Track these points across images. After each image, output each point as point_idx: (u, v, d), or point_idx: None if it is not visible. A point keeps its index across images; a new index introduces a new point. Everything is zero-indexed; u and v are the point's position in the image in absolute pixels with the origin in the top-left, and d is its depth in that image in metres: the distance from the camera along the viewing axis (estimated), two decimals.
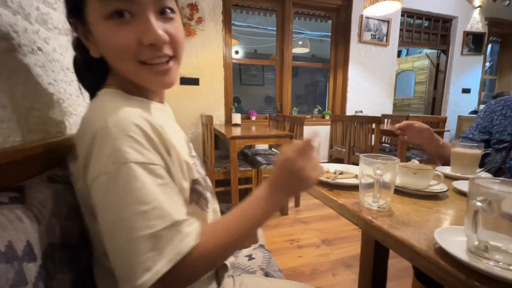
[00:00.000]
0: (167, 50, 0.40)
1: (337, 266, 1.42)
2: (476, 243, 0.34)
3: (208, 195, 0.50)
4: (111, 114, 0.35)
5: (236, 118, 2.73)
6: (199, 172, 0.49)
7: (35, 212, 0.36)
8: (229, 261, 0.53)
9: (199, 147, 2.65)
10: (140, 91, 0.44)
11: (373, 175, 0.52)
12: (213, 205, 0.52)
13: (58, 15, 0.57)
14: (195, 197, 0.46)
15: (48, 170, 0.46)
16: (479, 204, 0.32)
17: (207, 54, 2.65)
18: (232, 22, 2.97)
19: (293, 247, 1.61)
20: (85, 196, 0.38)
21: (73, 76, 0.62)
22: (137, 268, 0.31)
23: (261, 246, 0.79)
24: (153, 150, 0.36)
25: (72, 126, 0.59)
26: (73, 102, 0.60)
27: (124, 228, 0.32)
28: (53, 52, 0.54)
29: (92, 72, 0.45)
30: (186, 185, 0.43)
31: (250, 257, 0.70)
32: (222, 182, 2.02)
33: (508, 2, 3.85)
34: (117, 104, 0.37)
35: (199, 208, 0.46)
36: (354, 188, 0.65)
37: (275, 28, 3.16)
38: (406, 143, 2.32)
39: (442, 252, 0.36)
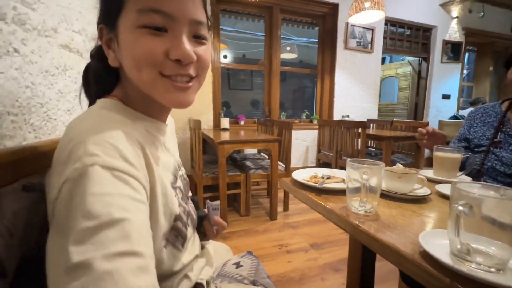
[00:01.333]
0: (191, 70, 0.40)
1: (325, 271, 1.42)
2: (459, 246, 0.34)
3: (189, 230, 0.48)
4: (94, 131, 0.32)
5: (225, 122, 2.72)
6: (181, 204, 0.46)
7: (6, 224, 0.34)
8: (206, 279, 0.52)
9: (187, 152, 2.61)
10: (147, 106, 0.43)
11: (360, 179, 0.53)
12: (193, 241, 0.51)
13: (38, 16, 0.55)
14: (172, 238, 0.42)
15: (24, 178, 0.43)
16: (460, 208, 0.33)
17: None
18: (221, 27, 2.97)
19: (282, 252, 1.60)
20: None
21: (52, 79, 0.59)
22: None
23: (249, 253, 0.78)
24: (130, 165, 0.32)
25: (51, 131, 0.56)
26: (53, 107, 0.57)
27: (60, 254, 0.26)
28: (31, 54, 0.51)
29: (102, 82, 0.45)
30: (164, 221, 0.40)
31: (238, 265, 0.69)
32: (210, 187, 1.99)
33: (483, 14, 4.09)
34: (107, 120, 0.35)
35: (175, 249, 0.43)
36: (341, 192, 0.66)
37: (264, 34, 3.19)
38: (392, 146, 2.39)
39: (426, 256, 0.37)
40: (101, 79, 0.44)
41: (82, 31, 0.79)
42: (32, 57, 0.52)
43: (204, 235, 0.65)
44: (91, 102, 0.47)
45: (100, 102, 0.41)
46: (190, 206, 0.55)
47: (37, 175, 0.45)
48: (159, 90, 0.39)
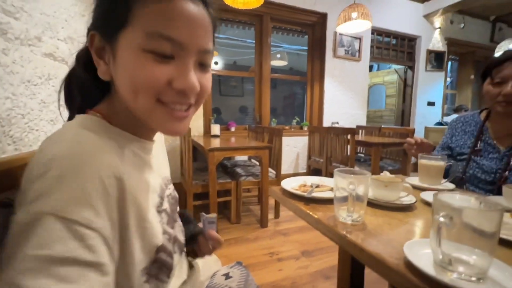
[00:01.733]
0: (192, 99, 0.38)
1: (316, 278, 1.42)
2: (441, 256, 0.35)
3: (175, 258, 0.45)
4: (65, 164, 0.28)
5: (215, 129, 2.71)
6: (166, 231, 0.43)
7: None
8: None
9: (177, 160, 2.58)
10: (135, 126, 0.40)
11: (347, 189, 0.53)
12: (180, 266, 0.49)
13: (21, 25, 0.54)
14: (154, 271, 0.39)
15: (1, 193, 0.41)
16: (441, 219, 0.34)
17: None
18: None
19: (273, 260, 1.59)
20: None
21: (35, 89, 0.58)
22: None
23: (239, 263, 0.77)
24: (95, 212, 0.28)
25: (32, 142, 0.54)
26: (35, 117, 0.56)
27: None
28: (12, 64, 0.50)
29: (86, 93, 0.41)
30: (142, 256, 0.37)
31: (227, 276, 0.68)
32: (200, 195, 1.97)
33: (463, 25, 4.29)
34: (83, 148, 0.31)
35: (159, 282, 0.40)
36: (330, 201, 0.66)
37: (254, 41, 3.23)
38: (380, 153, 2.43)
39: (411, 266, 0.37)
40: (85, 89, 0.41)
41: (68, 39, 0.78)
42: (14, 67, 0.50)
43: (197, 253, 0.61)
44: (71, 116, 0.43)
45: (80, 118, 0.37)
46: (178, 228, 0.51)
47: (16, 190, 0.43)
48: (155, 118, 0.36)
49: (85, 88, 0.41)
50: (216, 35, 0.43)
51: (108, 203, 0.30)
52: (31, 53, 0.58)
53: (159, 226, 0.41)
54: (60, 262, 0.25)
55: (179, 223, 0.53)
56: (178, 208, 0.56)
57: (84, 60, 0.41)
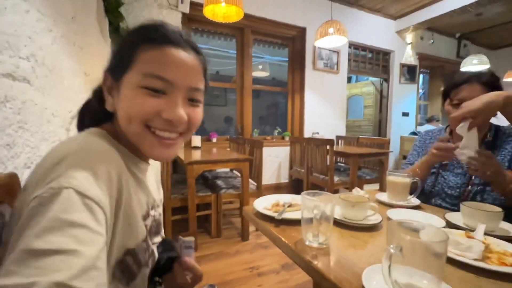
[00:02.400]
0: (181, 129, 0.44)
1: None
2: (391, 287, 0.36)
3: (142, 271, 0.45)
4: (78, 152, 0.35)
5: (196, 140, 2.68)
6: (146, 239, 0.46)
7: None
8: None
9: (157, 173, 2.51)
10: (133, 148, 0.45)
11: (312, 212, 0.54)
12: (143, 282, 0.47)
13: None
14: (118, 274, 0.39)
15: None
16: (392, 251, 0.35)
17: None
18: None
19: (253, 275, 1.57)
20: None
21: None
22: None
23: (211, 286, 0.75)
24: (102, 192, 0.33)
25: None
26: None
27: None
28: None
29: (96, 119, 0.47)
30: (115, 251, 0.38)
31: None
32: (179, 209, 1.92)
33: (432, 41, 4.59)
34: (93, 143, 0.38)
35: (119, 285, 0.40)
36: (300, 222, 0.67)
37: (236, 52, 3.27)
38: (358, 163, 2.51)
39: None
40: (96, 117, 0.47)
41: (31, 56, 0.75)
42: None
43: (173, 285, 0.56)
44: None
45: (89, 129, 0.43)
46: (155, 247, 0.53)
47: None
48: (145, 144, 0.42)
49: (96, 116, 0.48)
50: (200, 47, 0.48)
51: (110, 189, 0.35)
52: None
53: (141, 231, 0.44)
54: (78, 226, 0.29)
55: (155, 246, 0.54)
56: (158, 239, 0.56)
57: (99, 94, 0.48)
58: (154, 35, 0.41)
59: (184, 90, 0.42)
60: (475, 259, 0.48)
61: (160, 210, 0.58)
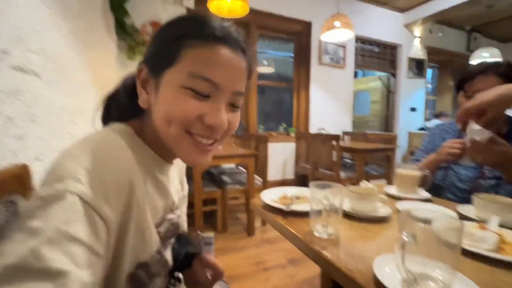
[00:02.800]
0: (218, 135, 0.41)
1: (303, 287, 1.41)
2: (405, 275, 0.36)
3: (156, 282, 0.44)
4: (93, 154, 0.32)
5: None
6: (160, 250, 0.44)
7: None
8: None
9: (182, 169, 2.53)
10: (159, 148, 0.43)
11: (322, 203, 0.54)
12: None
13: None
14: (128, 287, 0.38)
15: None
16: (405, 238, 0.35)
17: None
18: None
19: (259, 270, 1.57)
20: None
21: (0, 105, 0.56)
22: None
23: (223, 281, 0.75)
24: (108, 204, 0.31)
25: None
26: None
27: None
28: None
29: (122, 113, 0.45)
30: (126, 264, 0.37)
31: None
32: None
33: (441, 34, 4.48)
34: (112, 147, 0.36)
35: None
36: (308, 214, 0.66)
37: None
38: (365, 158, 2.48)
39: (380, 284, 0.38)
40: (123, 110, 0.45)
41: (40, 51, 0.75)
42: None
43: (193, 282, 0.54)
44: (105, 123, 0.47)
45: (114, 125, 0.41)
46: (168, 252, 0.51)
47: None
48: (182, 147, 0.40)
49: (123, 109, 0.45)
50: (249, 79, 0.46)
51: (118, 200, 0.33)
52: None
53: (155, 240, 0.42)
54: (77, 242, 0.27)
55: (169, 250, 0.52)
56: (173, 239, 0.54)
57: (129, 84, 0.45)
58: (204, 31, 0.38)
59: (228, 94, 0.40)
60: (489, 250, 0.47)
61: (180, 211, 0.54)
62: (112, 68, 2.00)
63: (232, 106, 0.42)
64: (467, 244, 0.49)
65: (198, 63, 0.37)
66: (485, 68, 0.89)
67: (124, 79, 0.47)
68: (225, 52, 0.38)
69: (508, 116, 0.94)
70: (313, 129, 3.49)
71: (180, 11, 2.67)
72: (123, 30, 2.29)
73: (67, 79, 0.99)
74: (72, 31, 1.07)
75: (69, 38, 1.04)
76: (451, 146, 0.88)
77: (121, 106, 0.45)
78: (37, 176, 0.69)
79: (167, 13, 2.62)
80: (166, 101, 0.38)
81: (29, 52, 0.70)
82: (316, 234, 0.55)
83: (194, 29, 0.38)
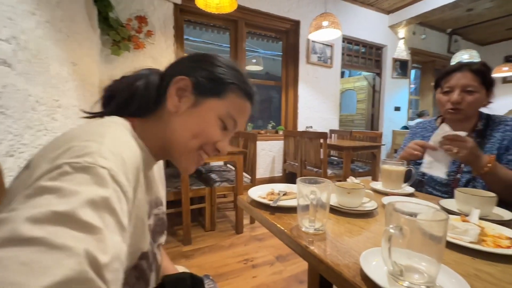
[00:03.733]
0: (212, 154, 0.49)
1: (290, 284, 1.41)
2: (391, 267, 0.36)
3: (152, 277, 0.45)
4: (111, 139, 0.32)
5: None
6: (151, 241, 0.45)
7: None
8: None
9: (160, 168, 2.47)
10: (153, 148, 0.46)
11: (309, 198, 0.53)
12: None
13: None
14: (132, 281, 0.39)
15: None
16: (392, 230, 0.35)
17: (157, 68, 2.55)
18: (186, 37, 2.93)
19: (247, 267, 1.57)
20: None
21: None
22: None
23: (206, 276, 0.74)
24: (129, 185, 0.32)
25: None
26: None
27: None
28: None
29: (124, 104, 0.45)
30: (127, 255, 0.36)
31: None
32: (173, 203, 1.89)
33: (424, 36, 4.63)
34: (123, 135, 0.36)
35: None
36: (295, 209, 0.66)
37: (229, 45, 3.22)
38: (351, 156, 2.52)
39: (367, 278, 0.38)
40: (128, 102, 0.45)
41: (11, 39, 0.70)
42: None
43: None
44: (100, 115, 0.46)
45: (116, 117, 0.42)
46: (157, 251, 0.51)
47: None
48: (188, 157, 0.46)
49: (127, 104, 0.45)
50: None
51: (132, 183, 0.33)
52: None
53: (147, 233, 0.42)
54: (108, 210, 0.26)
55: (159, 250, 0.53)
56: (163, 239, 0.54)
57: (152, 82, 0.47)
58: (248, 88, 0.50)
59: (236, 130, 0.51)
60: (471, 242, 0.48)
61: (164, 208, 0.56)
62: (95, 62, 1.92)
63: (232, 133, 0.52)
64: (450, 237, 0.50)
65: (235, 108, 0.48)
66: (460, 66, 0.94)
67: (149, 71, 0.49)
68: (249, 107, 0.51)
69: (483, 113, 0.98)
70: (301, 127, 3.52)
71: (166, 6, 2.60)
72: (107, 23, 2.20)
73: (45, 71, 0.94)
74: (50, 21, 1.01)
75: (46, 28, 0.98)
76: (412, 147, 0.94)
77: (129, 101, 0.45)
78: (11, 172, 0.65)
79: (153, 7, 2.55)
80: (202, 121, 0.45)
81: None
82: (303, 229, 0.55)
83: (244, 84, 0.49)
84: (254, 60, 4.47)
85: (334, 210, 0.66)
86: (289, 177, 3.26)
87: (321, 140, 2.46)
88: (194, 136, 0.45)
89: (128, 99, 0.45)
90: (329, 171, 2.53)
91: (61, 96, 1.08)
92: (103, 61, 2.31)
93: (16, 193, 0.30)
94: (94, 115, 0.47)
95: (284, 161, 3.24)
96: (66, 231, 0.22)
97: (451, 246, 0.48)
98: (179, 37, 2.77)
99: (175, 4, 2.66)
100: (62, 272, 0.20)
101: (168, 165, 2.60)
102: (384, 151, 4.30)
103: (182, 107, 0.45)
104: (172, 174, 2.27)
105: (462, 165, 0.94)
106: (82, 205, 0.24)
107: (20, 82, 0.73)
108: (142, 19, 2.47)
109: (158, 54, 2.57)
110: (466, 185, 0.92)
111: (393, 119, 4.52)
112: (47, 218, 0.22)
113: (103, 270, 0.22)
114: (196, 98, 0.45)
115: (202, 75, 0.46)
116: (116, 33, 2.29)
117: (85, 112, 0.48)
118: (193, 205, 1.91)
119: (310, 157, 2.58)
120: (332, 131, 3.57)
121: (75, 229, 0.22)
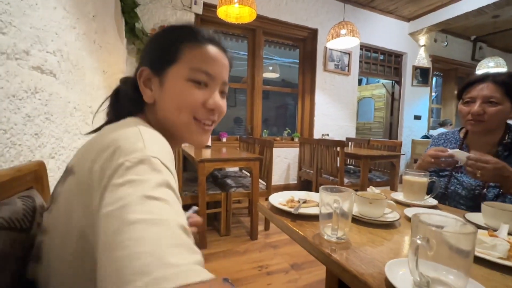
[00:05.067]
0: (215, 117, 0.50)
1: None
2: (418, 278, 0.36)
3: None
4: (148, 136, 0.36)
5: None
6: None
7: None
8: None
9: None
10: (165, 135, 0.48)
11: (332, 206, 0.54)
12: None
13: (8, 40, 0.54)
14: None
15: None
16: (419, 241, 0.35)
17: None
18: None
19: (262, 274, 1.56)
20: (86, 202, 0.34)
21: (20, 104, 0.57)
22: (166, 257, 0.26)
23: (226, 279, 0.76)
24: (174, 176, 0.36)
25: (14, 157, 0.53)
26: (18, 132, 0.55)
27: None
28: None
29: (130, 106, 0.49)
30: None
31: None
32: (189, 206, 1.93)
33: (446, 43, 4.50)
34: (153, 130, 0.39)
35: None
36: (316, 217, 0.67)
37: (247, 53, 3.29)
38: (369, 165, 2.48)
39: (392, 287, 0.38)
40: (130, 103, 0.49)
41: (57, 51, 0.78)
42: None
43: None
44: (111, 120, 0.50)
45: (132, 118, 0.44)
46: None
47: None
48: (191, 131, 0.48)
49: (121, 108, 0.49)
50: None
51: (172, 164, 0.37)
52: (18, 67, 0.57)
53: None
54: (170, 188, 0.32)
55: None
56: None
57: (130, 85, 0.49)
58: (197, 34, 0.47)
59: (219, 83, 0.49)
60: (500, 258, 0.47)
61: None
62: (122, 70, 2.03)
63: (222, 94, 0.51)
64: (478, 251, 0.49)
65: (196, 59, 0.46)
66: (484, 77, 0.91)
67: (122, 79, 0.51)
68: (214, 50, 0.47)
69: (511, 126, 0.94)
70: (317, 134, 3.50)
71: (188, 17, 2.72)
72: (133, 33, 2.33)
73: (82, 80, 1.01)
74: (86, 33, 1.10)
75: (83, 40, 1.07)
76: (432, 155, 0.92)
77: (122, 105, 0.49)
78: (52, 173, 0.70)
79: (176, 18, 2.66)
80: (174, 93, 0.45)
81: (47, 53, 0.72)
82: (325, 237, 0.56)
83: (190, 34, 0.47)
84: (270, 68, 4.52)
85: (355, 220, 0.66)
86: (304, 185, 3.24)
87: (338, 148, 2.43)
88: (179, 110, 0.46)
89: (119, 105, 0.49)
90: (346, 180, 2.49)
91: (93, 102, 1.16)
92: (129, 69, 2.43)
93: (69, 197, 0.35)
94: (108, 121, 0.51)
95: (299, 169, 3.23)
96: (158, 206, 0.28)
97: (478, 261, 0.47)
98: None
99: (197, 14, 2.77)
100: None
101: (185, 169, 2.67)
102: (403, 161, 4.17)
103: (155, 93, 0.47)
104: (189, 178, 2.33)
105: None
106: (155, 188, 0.30)
107: (62, 90, 0.80)
108: None
109: None
110: (494, 200, 0.88)
111: (413, 128, 4.39)
112: (138, 202, 0.28)
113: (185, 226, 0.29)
114: (159, 77, 0.46)
115: (152, 56, 0.48)
116: (141, 42, 2.42)
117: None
118: (209, 210, 1.94)
119: (326, 165, 2.56)
120: (348, 139, 3.52)
121: (160, 205, 0.28)
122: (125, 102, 0.49)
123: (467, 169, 0.81)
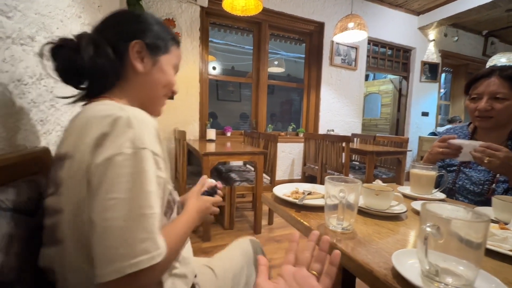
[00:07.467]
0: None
1: None
2: (427, 267, 0.35)
3: (175, 209, 0.55)
4: (131, 110, 0.41)
5: (211, 133, 2.71)
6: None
7: None
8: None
9: (172, 163, 2.56)
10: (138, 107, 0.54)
11: (337, 197, 0.53)
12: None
13: (13, 24, 0.53)
14: (165, 209, 0.49)
15: None
16: (428, 229, 0.34)
17: (182, 68, 2.64)
18: (210, 39, 3.01)
19: None
20: (77, 185, 0.39)
21: (25, 89, 0.57)
22: (136, 247, 0.35)
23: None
24: (160, 146, 0.44)
25: (20, 141, 0.53)
26: (23, 117, 0.55)
27: (130, 206, 0.36)
28: (2, 63, 0.49)
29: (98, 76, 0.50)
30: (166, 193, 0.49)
31: None
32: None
33: (457, 38, 4.39)
34: (143, 115, 0.44)
35: (165, 219, 0.50)
36: (321, 209, 0.66)
37: (252, 47, 3.26)
38: (375, 161, 2.45)
39: (399, 276, 0.37)
40: (105, 74, 0.50)
41: None
42: (3, 66, 0.50)
43: None
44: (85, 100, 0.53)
45: (108, 102, 0.47)
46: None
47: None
48: (160, 104, 0.60)
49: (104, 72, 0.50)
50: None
51: (159, 140, 0.44)
52: (23, 52, 0.57)
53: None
54: (159, 179, 0.42)
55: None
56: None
57: (94, 44, 0.50)
58: (177, 38, 0.61)
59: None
60: (511, 250, 0.46)
61: None
62: None
63: None
64: (489, 244, 0.47)
65: (177, 56, 0.61)
66: (490, 72, 0.88)
67: (86, 41, 0.50)
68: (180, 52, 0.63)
69: None
70: (322, 130, 3.47)
71: (193, 9, 2.70)
72: None
73: None
74: (91, 23, 1.09)
75: (88, 29, 1.06)
76: (439, 145, 0.88)
77: (95, 76, 0.50)
78: None
79: (181, 10, 2.65)
80: (164, 73, 0.57)
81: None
82: (331, 227, 0.55)
83: (176, 38, 0.61)
84: (276, 62, 4.48)
85: (361, 212, 0.65)
86: (309, 180, 3.22)
87: (344, 144, 2.41)
88: (163, 87, 0.57)
89: (99, 79, 0.50)
90: (351, 176, 2.47)
91: None
92: None
93: (73, 181, 0.40)
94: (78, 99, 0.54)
95: (304, 164, 3.21)
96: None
97: (489, 253, 0.46)
98: (204, 39, 2.85)
99: (202, 7, 2.75)
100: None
101: (189, 163, 2.68)
102: (409, 158, 4.11)
103: (146, 66, 0.54)
104: (193, 172, 2.33)
105: (498, 175, 0.88)
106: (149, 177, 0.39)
107: None
108: (170, 22, 2.58)
109: (184, 55, 2.66)
110: (503, 194, 0.86)
111: (420, 124, 4.31)
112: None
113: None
114: (153, 58, 0.55)
115: (150, 37, 0.54)
116: None
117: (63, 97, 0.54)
118: None
119: (331, 161, 2.54)
120: (354, 135, 3.48)
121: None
122: (98, 72, 0.49)
123: (475, 155, 0.78)
